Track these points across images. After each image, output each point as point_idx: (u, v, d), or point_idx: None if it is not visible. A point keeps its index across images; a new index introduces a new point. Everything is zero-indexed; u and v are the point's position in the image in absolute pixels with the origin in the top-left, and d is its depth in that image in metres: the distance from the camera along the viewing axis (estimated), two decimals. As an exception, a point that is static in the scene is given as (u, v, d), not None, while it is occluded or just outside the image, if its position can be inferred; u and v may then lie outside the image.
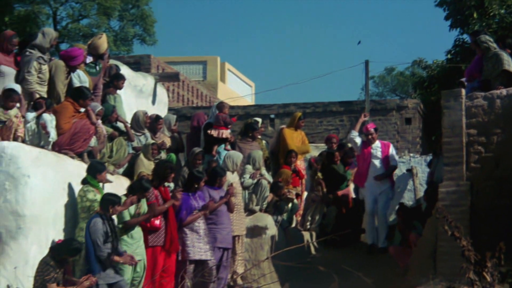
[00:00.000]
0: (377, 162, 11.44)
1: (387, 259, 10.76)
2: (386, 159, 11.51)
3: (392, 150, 11.72)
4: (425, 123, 19.52)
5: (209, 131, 11.23)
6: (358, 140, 11.66)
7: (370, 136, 11.48)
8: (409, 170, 14.68)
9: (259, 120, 12.79)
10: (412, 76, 32.16)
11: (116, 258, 7.82)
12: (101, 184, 8.45)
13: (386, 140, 17.73)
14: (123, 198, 8.30)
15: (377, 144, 11.56)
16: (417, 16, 77.56)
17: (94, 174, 8.33)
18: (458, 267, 5.92)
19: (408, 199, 14.52)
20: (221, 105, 11.97)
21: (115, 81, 10.83)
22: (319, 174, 12.29)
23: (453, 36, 24.12)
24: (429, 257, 8.72)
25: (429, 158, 14.12)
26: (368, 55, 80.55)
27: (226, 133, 11.23)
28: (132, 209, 8.43)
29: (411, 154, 15.73)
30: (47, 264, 7.07)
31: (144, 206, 8.63)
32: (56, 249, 7.28)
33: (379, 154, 11.47)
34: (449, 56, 21.17)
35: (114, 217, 8.09)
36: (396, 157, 11.92)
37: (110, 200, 7.87)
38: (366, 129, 11.58)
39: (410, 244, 9.85)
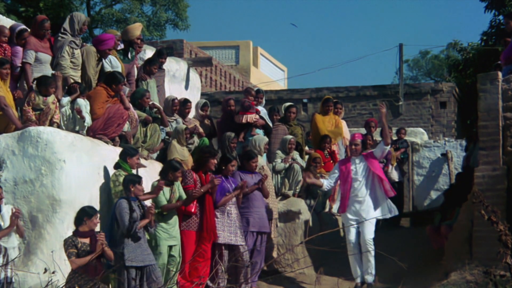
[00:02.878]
0: (356, 184, 9.47)
1: (422, 243, 10.70)
2: (375, 165, 9.59)
3: (377, 148, 9.71)
4: (460, 107, 19.29)
5: (235, 118, 11.20)
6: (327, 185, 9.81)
7: (353, 147, 9.63)
8: (444, 155, 14.57)
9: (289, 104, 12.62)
10: (447, 59, 31.75)
11: (141, 223, 7.75)
12: (134, 170, 8.48)
13: (421, 124, 17.62)
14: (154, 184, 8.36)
15: (360, 157, 9.59)
16: (452, -2, 76.54)
17: (125, 159, 8.38)
18: (495, 252, 5.84)
19: (443, 183, 14.42)
20: (246, 90, 11.95)
21: (148, 66, 10.84)
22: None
23: (489, 17, 23.72)
24: (465, 242, 8.64)
25: (464, 142, 14.00)
26: (402, 38, 79.84)
27: (250, 117, 11.15)
28: (167, 194, 8.47)
29: (446, 138, 15.57)
30: (68, 240, 7.13)
31: (178, 190, 8.68)
32: (75, 217, 7.32)
33: (360, 170, 9.49)
34: (484, 38, 20.85)
35: (148, 202, 8.12)
36: (381, 146, 9.57)
37: (130, 180, 7.87)
38: (352, 138, 9.77)
39: (443, 234, 9.80)
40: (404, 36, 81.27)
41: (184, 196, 8.71)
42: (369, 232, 9.31)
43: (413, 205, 14.61)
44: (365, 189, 9.42)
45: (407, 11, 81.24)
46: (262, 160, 10.27)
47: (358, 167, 9.46)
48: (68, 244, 7.08)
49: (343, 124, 12.36)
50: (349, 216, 9.41)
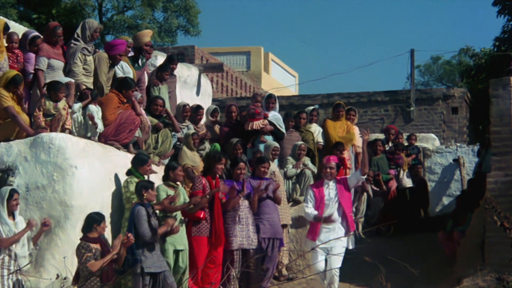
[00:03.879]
0: (328, 211, 8.85)
1: (434, 249, 10.65)
2: (348, 197, 9.05)
3: (352, 176, 9.27)
4: (472, 112, 19.20)
5: (245, 125, 11.19)
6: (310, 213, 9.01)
7: (328, 170, 8.99)
8: (456, 160, 14.49)
9: (312, 108, 12.55)
10: (459, 64, 31.66)
11: (160, 230, 7.83)
12: (146, 176, 8.49)
13: (432, 130, 17.55)
14: (162, 188, 8.38)
15: (334, 182, 8.99)
16: (464, 3, 76.37)
17: (137, 167, 8.40)
18: (507, 258, 5.83)
19: (455, 189, 14.33)
20: (253, 96, 11.96)
21: (159, 72, 10.86)
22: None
23: (501, 23, 23.61)
24: (477, 248, 8.60)
25: (476, 147, 13.92)
26: (413, 43, 79.71)
27: (256, 124, 11.12)
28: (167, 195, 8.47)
29: (458, 144, 15.50)
30: (81, 248, 7.14)
31: (183, 195, 8.65)
32: (83, 225, 7.36)
33: (333, 196, 8.87)
34: (497, 43, 20.76)
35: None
36: (357, 175, 9.09)
37: (142, 186, 7.89)
38: (327, 160, 9.09)
39: (455, 240, 9.76)
40: (416, 42, 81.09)
41: (187, 200, 8.70)
42: (338, 262, 8.66)
43: (425, 211, 14.54)
44: (336, 215, 8.83)
45: (418, 16, 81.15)
46: (274, 166, 10.25)
47: (331, 192, 8.90)
48: (84, 248, 7.10)
49: (356, 130, 12.31)
50: (318, 243, 8.71)
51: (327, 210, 8.79)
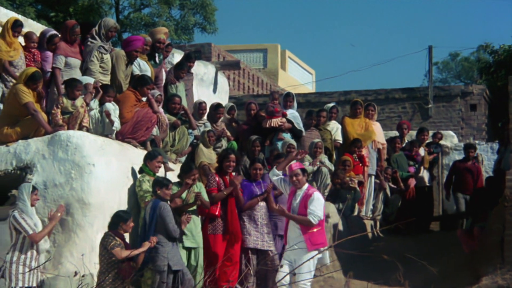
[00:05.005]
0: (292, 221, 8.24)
1: (452, 247, 10.58)
2: (303, 214, 8.07)
3: (314, 201, 8.04)
4: (491, 109, 19.05)
5: (263, 122, 11.17)
6: (277, 180, 8.53)
7: (294, 178, 8.21)
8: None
9: (332, 105, 12.46)
10: (477, 61, 31.43)
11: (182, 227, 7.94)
12: (158, 173, 8.48)
13: (450, 127, 17.43)
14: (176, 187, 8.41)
15: (302, 189, 8.21)
16: (482, -1, 75.86)
17: (146, 161, 8.41)
18: (528, 257, 5.77)
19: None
20: (270, 94, 11.92)
21: (176, 70, 10.86)
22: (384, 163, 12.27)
23: (521, 19, 23.39)
24: (496, 246, 8.53)
25: (495, 145, 13.82)
26: (431, 40, 79.24)
27: (274, 121, 11.08)
28: (183, 195, 8.47)
29: (477, 141, 15.40)
30: (107, 236, 7.28)
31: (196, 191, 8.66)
32: (110, 223, 7.45)
33: (296, 204, 8.15)
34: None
35: None
36: (320, 212, 8.01)
37: (157, 182, 7.95)
38: (290, 169, 8.34)
39: (475, 236, 9.70)
40: (434, 38, 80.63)
41: (206, 197, 8.70)
42: (304, 276, 7.94)
43: (442, 209, 14.46)
44: (297, 228, 8.06)
45: (436, 12, 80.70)
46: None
47: (296, 203, 8.13)
48: (112, 236, 7.23)
49: (377, 126, 12.26)
50: (285, 255, 8.18)
51: (291, 223, 8.10)
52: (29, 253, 7.31)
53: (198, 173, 8.86)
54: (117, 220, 7.38)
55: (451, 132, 16.00)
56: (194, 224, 8.51)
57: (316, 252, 7.76)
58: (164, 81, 10.73)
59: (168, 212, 7.75)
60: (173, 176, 8.75)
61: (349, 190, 11.25)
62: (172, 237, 7.77)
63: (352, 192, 11.32)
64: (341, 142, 11.87)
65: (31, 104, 8.35)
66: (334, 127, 11.93)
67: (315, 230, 7.94)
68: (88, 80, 9.10)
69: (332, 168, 11.17)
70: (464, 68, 42.30)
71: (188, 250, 8.44)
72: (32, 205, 7.41)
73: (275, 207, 8.41)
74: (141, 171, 8.40)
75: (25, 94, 8.32)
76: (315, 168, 10.86)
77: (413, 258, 7.22)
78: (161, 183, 7.93)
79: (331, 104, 12.37)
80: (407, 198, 12.44)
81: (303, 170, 8.26)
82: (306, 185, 8.22)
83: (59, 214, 7.54)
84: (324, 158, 11.14)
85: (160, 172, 8.61)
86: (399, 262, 6.94)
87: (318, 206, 8.00)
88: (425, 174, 12.84)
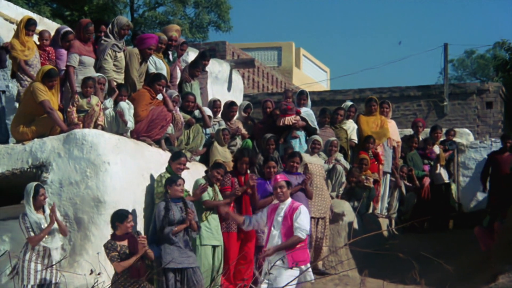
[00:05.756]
0: (272, 236, 7.52)
1: (469, 245, 10.53)
2: (288, 230, 7.43)
3: (301, 215, 7.46)
4: (507, 107, 18.93)
5: (277, 121, 11.15)
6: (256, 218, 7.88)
7: (278, 190, 7.62)
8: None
9: (351, 104, 12.36)
10: (493, 58, 31.22)
11: (179, 227, 7.78)
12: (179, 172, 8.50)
13: (466, 125, 17.33)
14: (201, 181, 8.40)
15: (286, 203, 7.61)
16: (498, -4, 75.37)
17: (170, 161, 8.44)
18: (545, 255, 5.72)
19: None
20: (284, 92, 11.89)
21: (191, 68, 10.87)
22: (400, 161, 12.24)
23: (538, 15, 23.21)
24: (513, 244, 8.48)
25: None
26: (447, 37, 78.90)
27: (288, 119, 11.05)
28: (211, 192, 8.50)
29: (493, 139, 15.28)
30: (106, 248, 7.14)
31: (219, 191, 8.72)
32: (110, 222, 7.35)
33: (280, 219, 7.52)
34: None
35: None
36: (307, 226, 7.51)
37: (168, 180, 7.96)
38: (275, 180, 7.78)
39: (496, 231, 9.63)
40: (449, 36, 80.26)
41: (221, 198, 8.72)
42: None
43: (459, 207, 14.40)
44: (278, 243, 7.43)
45: (452, 10, 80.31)
46: (310, 158, 10.19)
47: (279, 217, 7.54)
48: (109, 248, 7.10)
49: (392, 124, 12.20)
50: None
51: (271, 236, 7.51)
52: (41, 251, 7.34)
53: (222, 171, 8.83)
54: (114, 219, 7.25)
55: (466, 130, 15.90)
56: (216, 222, 8.53)
57: (297, 270, 7.14)
58: (178, 79, 10.73)
59: (158, 211, 7.75)
60: (187, 175, 8.75)
61: (364, 189, 11.21)
62: (161, 237, 7.70)
63: (367, 191, 11.29)
64: (356, 142, 11.82)
65: (47, 102, 8.37)
66: (351, 126, 11.88)
67: (298, 246, 7.36)
68: (99, 74, 9.15)
69: (347, 166, 11.14)
70: (480, 65, 42.04)
71: (213, 248, 8.45)
72: (39, 204, 7.43)
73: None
74: (166, 169, 8.43)
75: (41, 92, 8.35)
76: (330, 166, 10.83)
77: (429, 256, 7.20)
78: (171, 180, 7.95)
79: (349, 103, 12.28)
80: (422, 196, 12.40)
81: (288, 183, 7.71)
82: (290, 199, 7.66)
83: (58, 216, 7.47)
84: (339, 156, 11.11)
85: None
86: (414, 260, 6.91)
87: (305, 219, 7.49)
88: (442, 172, 12.78)
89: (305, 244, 7.53)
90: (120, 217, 7.21)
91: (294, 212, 7.44)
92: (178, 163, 8.36)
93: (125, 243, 7.15)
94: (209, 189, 8.51)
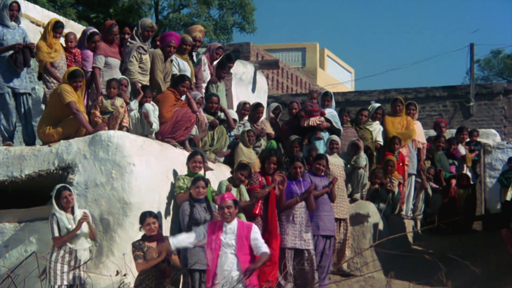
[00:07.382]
0: (223, 259, 6.97)
1: (496, 247, 10.42)
2: (246, 250, 7.02)
3: (258, 233, 7.14)
4: (534, 107, 18.74)
5: (301, 121, 11.10)
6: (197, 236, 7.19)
7: (225, 210, 7.05)
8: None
9: (378, 105, 12.20)
10: (520, 58, 30.94)
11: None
12: (201, 172, 8.50)
13: (493, 125, 17.16)
14: (225, 183, 8.42)
15: (233, 223, 7.11)
16: (525, -5, 74.51)
17: (187, 163, 8.46)
18: None
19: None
20: (309, 93, 11.85)
21: (217, 70, 10.89)
22: (427, 162, 12.15)
23: None
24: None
25: (539, 143, 13.56)
26: (473, 37, 78.28)
27: (312, 120, 10.99)
28: (235, 194, 8.49)
29: (519, 140, 15.14)
30: (135, 243, 7.25)
31: (245, 193, 8.70)
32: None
33: (232, 241, 7.01)
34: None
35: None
36: (261, 244, 7.07)
37: (192, 181, 8.01)
38: (222, 199, 7.17)
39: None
40: (476, 36, 79.60)
41: (247, 198, 8.72)
42: None
43: (485, 208, 14.26)
44: (235, 267, 6.99)
45: (478, 9, 79.63)
46: (334, 159, 10.14)
47: (229, 238, 7.04)
48: (136, 247, 7.19)
49: (417, 125, 12.10)
50: None
51: (221, 259, 6.98)
52: (68, 253, 7.40)
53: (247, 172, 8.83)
54: (140, 221, 7.42)
55: (493, 131, 15.76)
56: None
57: None
58: (202, 81, 10.74)
59: (183, 211, 7.88)
60: (212, 176, 8.76)
61: (388, 192, 11.13)
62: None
63: (392, 193, 11.20)
64: (381, 143, 11.74)
65: (74, 103, 8.42)
66: (377, 128, 11.79)
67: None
68: (122, 77, 9.20)
69: (363, 163, 10.87)
70: (506, 65, 41.64)
71: None
72: (65, 205, 7.49)
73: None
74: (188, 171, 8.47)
75: (68, 93, 8.40)
76: (350, 168, 10.73)
77: (456, 258, 7.13)
78: (193, 181, 7.99)
79: (377, 104, 12.15)
80: (449, 197, 12.30)
81: (235, 202, 7.22)
82: (236, 220, 7.16)
83: (81, 221, 7.50)
84: (360, 157, 10.86)
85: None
86: (441, 262, 6.84)
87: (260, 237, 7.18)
88: (468, 173, 12.68)
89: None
90: (140, 218, 7.39)
91: (250, 232, 7.06)
92: (193, 162, 8.40)
93: (153, 244, 7.20)
94: (234, 190, 8.50)
